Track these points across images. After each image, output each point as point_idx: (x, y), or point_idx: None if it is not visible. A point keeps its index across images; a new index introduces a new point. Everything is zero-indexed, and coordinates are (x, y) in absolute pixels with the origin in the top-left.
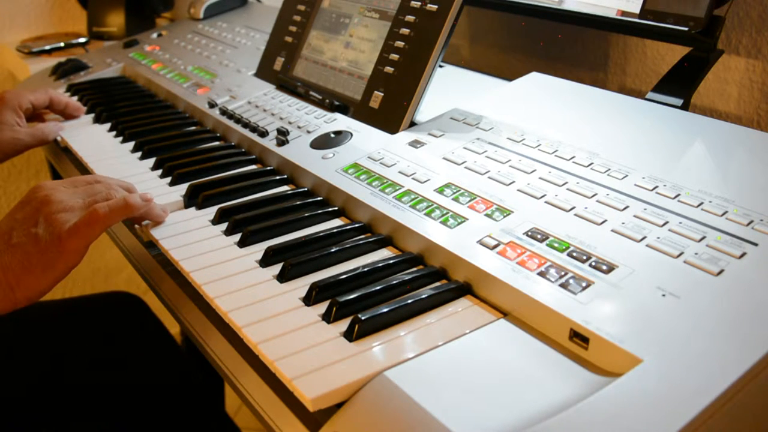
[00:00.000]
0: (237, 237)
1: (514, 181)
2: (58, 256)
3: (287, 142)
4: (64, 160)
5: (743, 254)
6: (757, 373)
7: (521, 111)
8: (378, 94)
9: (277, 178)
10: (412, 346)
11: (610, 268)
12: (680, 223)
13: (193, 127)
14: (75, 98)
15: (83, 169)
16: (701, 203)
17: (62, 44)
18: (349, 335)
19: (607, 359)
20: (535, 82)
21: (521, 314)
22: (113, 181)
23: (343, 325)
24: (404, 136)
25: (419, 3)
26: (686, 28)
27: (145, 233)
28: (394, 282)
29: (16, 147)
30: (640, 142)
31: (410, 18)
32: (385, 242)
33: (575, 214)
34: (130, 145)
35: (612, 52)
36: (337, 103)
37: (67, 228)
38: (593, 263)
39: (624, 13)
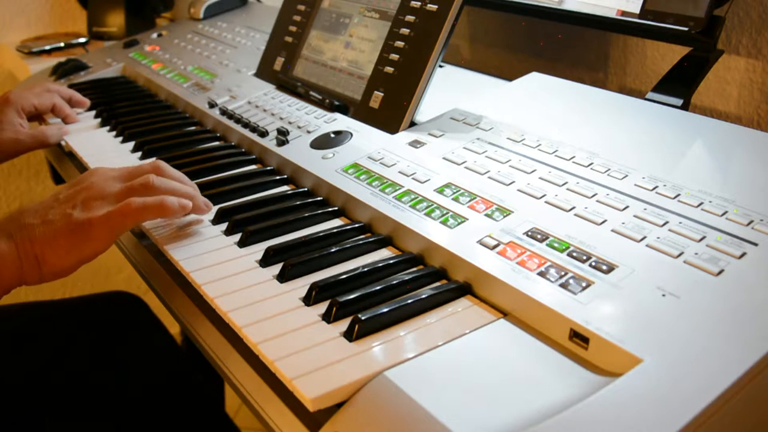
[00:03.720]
0: (237, 237)
1: (514, 181)
2: (84, 239)
3: (287, 142)
4: (65, 160)
5: (743, 254)
6: (757, 373)
7: (521, 111)
8: (378, 94)
9: (277, 178)
10: (412, 346)
11: (610, 268)
12: (680, 223)
13: (193, 127)
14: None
15: (83, 169)
16: (701, 203)
17: (62, 44)
18: (349, 335)
19: (607, 359)
20: (535, 82)
21: (521, 314)
22: (170, 176)
23: (343, 325)
24: (404, 136)
25: (419, 3)
26: (686, 28)
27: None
28: (394, 282)
29: (17, 148)
30: (640, 142)
31: (410, 18)
32: (385, 242)
33: (575, 214)
34: (130, 145)
35: (612, 52)
36: (337, 103)
37: (99, 214)
38: (593, 263)
39: (624, 13)
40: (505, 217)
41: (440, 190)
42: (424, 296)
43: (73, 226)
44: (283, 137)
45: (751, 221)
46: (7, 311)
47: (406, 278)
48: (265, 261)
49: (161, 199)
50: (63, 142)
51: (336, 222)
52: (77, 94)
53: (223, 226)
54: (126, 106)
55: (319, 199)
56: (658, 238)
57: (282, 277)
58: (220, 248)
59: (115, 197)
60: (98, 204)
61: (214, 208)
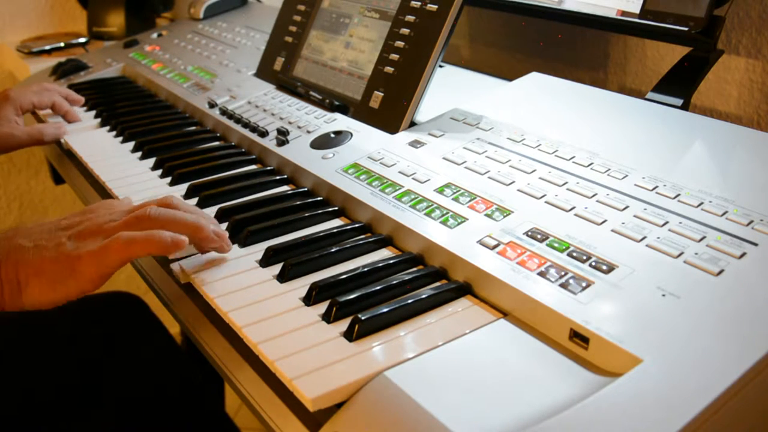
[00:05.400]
0: (237, 237)
1: (514, 181)
2: (70, 274)
3: (287, 142)
4: (65, 160)
5: (743, 254)
6: (757, 373)
7: (521, 111)
8: (378, 94)
9: (277, 178)
10: (412, 346)
11: (610, 268)
12: (680, 223)
13: (193, 127)
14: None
15: (83, 170)
16: (701, 203)
17: (62, 44)
18: (349, 335)
19: (607, 359)
20: (535, 82)
21: (521, 314)
22: (177, 207)
23: (343, 325)
24: (404, 136)
25: (419, 3)
26: (686, 28)
27: None
28: (394, 282)
29: (10, 143)
30: (640, 142)
31: (410, 18)
32: (385, 242)
33: (575, 214)
34: (130, 145)
35: (612, 52)
36: (337, 103)
37: (89, 249)
38: (593, 263)
39: (624, 13)
40: (505, 217)
41: (440, 190)
42: (424, 296)
43: (62, 258)
44: (283, 137)
45: (751, 221)
46: (6, 311)
47: (406, 278)
48: (265, 261)
49: (150, 233)
50: (62, 141)
51: (336, 222)
52: (73, 92)
53: (223, 226)
54: (126, 106)
55: (319, 199)
56: (658, 238)
57: (282, 277)
58: None
59: (110, 233)
60: (92, 238)
61: (214, 208)
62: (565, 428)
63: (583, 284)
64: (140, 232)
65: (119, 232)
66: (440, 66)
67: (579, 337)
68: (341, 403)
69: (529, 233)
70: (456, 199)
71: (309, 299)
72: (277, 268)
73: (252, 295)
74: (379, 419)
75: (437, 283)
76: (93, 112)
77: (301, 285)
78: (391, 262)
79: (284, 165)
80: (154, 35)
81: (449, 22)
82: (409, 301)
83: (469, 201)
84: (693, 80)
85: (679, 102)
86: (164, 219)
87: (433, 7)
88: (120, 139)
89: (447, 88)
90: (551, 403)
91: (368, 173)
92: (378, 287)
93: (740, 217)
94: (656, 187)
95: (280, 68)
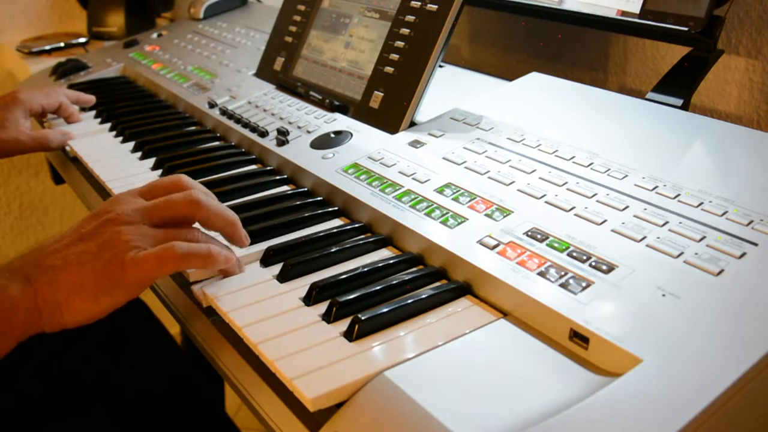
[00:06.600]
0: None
1: (514, 181)
2: (115, 283)
3: (287, 142)
4: (65, 161)
5: (743, 254)
6: (757, 372)
7: (521, 111)
8: (378, 94)
9: (277, 178)
10: (412, 346)
11: (610, 268)
12: (680, 223)
13: (193, 127)
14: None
15: (84, 170)
16: (701, 203)
17: (62, 44)
18: (349, 335)
19: (607, 359)
20: (535, 82)
21: (521, 314)
22: (193, 184)
23: (343, 325)
24: (404, 136)
25: (419, 3)
26: (686, 28)
27: None
28: (394, 282)
29: (16, 148)
30: (640, 142)
31: (410, 18)
32: (385, 242)
33: (575, 214)
34: (130, 145)
35: (612, 52)
36: (337, 103)
37: (133, 256)
38: (593, 263)
39: (624, 13)
40: (505, 217)
41: (440, 190)
42: (424, 296)
43: (101, 269)
44: (283, 137)
45: (751, 221)
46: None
47: (406, 278)
48: (265, 261)
49: (209, 248)
50: (67, 148)
51: (336, 222)
52: (84, 94)
53: None
54: (126, 106)
55: (319, 199)
56: (658, 238)
57: (282, 277)
58: None
59: (152, 236)
60: (129, 240)
61: None
62: (565, 428)
63: (583, 284)
64: (198, 246)
65: (173, 242)
66: (440, 66)
67: (579, 337)
68: (341, 403)
69: (529, 233)
70: (456, 199)
71: (309, 299)
72: (277, 268)
73: (252, 295)
74: (379, 419)
75: (437, 283)
76: (93, 113)
77: (301, 285)
78: (391, 262)
79: (284, 165)
80: (154, 35)
81: (449, 22)
82: (409, 301)
83: (469, 201)
84: (693, 80)
85: (679, 102)
86: (213, 211)
87: (433, 7)
88: (120, 139)
89: (447, 88)
90: (551, 403)
91: (368, 173)
92: (378, 287)
93: (740, 217)
94: (656, 187)
95: (280, 68)
